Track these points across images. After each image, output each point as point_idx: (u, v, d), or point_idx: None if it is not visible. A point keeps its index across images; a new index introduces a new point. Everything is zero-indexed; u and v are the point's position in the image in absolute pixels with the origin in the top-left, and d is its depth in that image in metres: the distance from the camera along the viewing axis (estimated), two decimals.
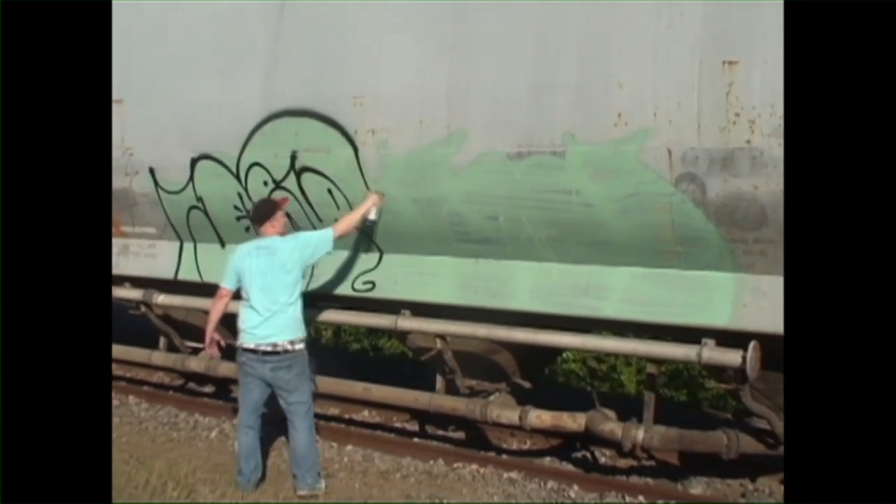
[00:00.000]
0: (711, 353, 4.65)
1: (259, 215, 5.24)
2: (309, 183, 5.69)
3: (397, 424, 6.88)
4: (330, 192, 5.64)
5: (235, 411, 6.68)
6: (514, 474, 5.71)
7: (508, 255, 5.20)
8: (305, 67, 5.65)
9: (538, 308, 5.13)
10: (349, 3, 5.49)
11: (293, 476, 5.16)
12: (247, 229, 6.18)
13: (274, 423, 5.43)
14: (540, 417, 5.38)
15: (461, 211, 5.17)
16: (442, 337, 5.55)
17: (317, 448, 5.32)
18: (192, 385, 8.00)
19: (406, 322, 5.67)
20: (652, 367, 5.20)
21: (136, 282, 7.09)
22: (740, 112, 4.22)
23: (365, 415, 7.09)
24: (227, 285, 5.20)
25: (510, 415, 5.47)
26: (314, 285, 5.90)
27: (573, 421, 5.30)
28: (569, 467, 5.96)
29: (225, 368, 6.67)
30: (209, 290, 6.41)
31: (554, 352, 6.59)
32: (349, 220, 5.35)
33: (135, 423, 6.88)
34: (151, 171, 6.55)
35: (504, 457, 6.12)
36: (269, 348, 5.00)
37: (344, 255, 5.78)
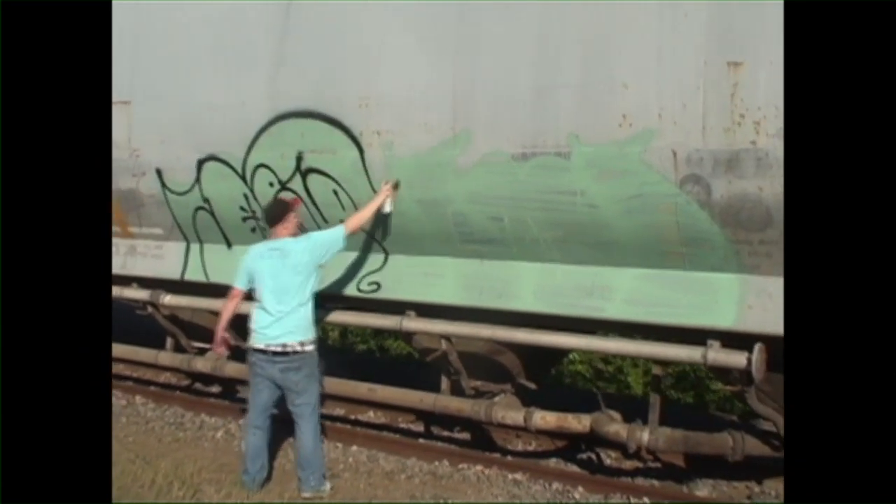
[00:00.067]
0: (717, 354, 4.65)
1: (271, 217, 5.25)
2: (314, 184, 5.71)
3: (402, 425, 6.89)
4: (335, 193, 5.65)
5: (242, 411, 6.71)
6: (518, 475, 5.71)
7: (513, 255, 5.20)
8: (311, 69, 5.66)
9: (542, 309, 5.13)
10: (354, 5, 5.50)
11: (298, 478, 5.17)
12: (252, 230, 6.21)
13: (280, 424, 5.44)
14: (545, 419, 5.37)
15: (466, 212, 5.18)
16: (447, 338, 5.55)
17: (322, 450, 5.32)
18: (198, 385, 8.03)
19: (411, 323, 5.68)
20: (657, 369, 5.20)
21: (144, 282, 7.11)
22: (745, 113, 4.21)
23: (370, 415, 7.10)
24: (239, 285, 5.22)
25: (515, 416, 5.47)
26: (320, 286, 5.90)
27: (578, 422, 5.30)
28: (574, 469, 5.95)
29: (231, 369, 6.70)
30: (215, 290, 6.48)
31: (559, 353, 6.59)
32: (362, 216, 5.33)
33: (141, 422, 6.90)
34: (158, 172, 6.57)
35: (509, 458, 6.12)
36: (278, 349, 5.01)
37: (349, 256, 5.79)
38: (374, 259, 5.78)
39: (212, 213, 6.42)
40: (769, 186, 4.20)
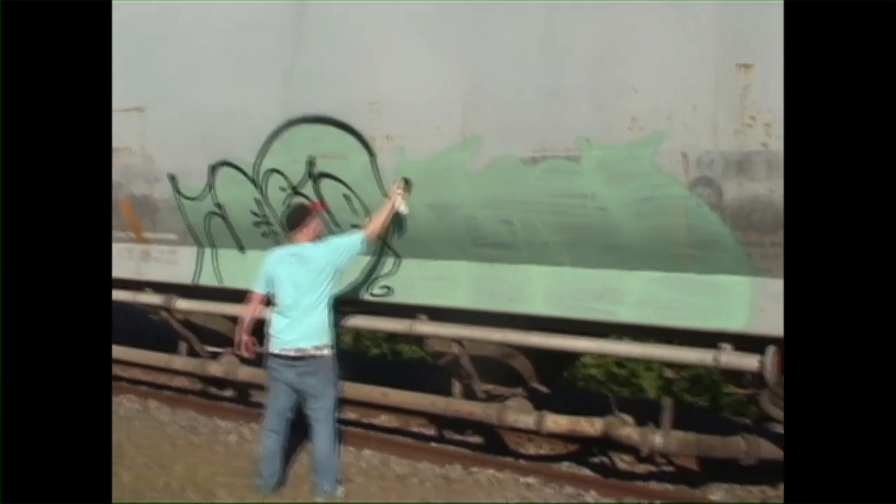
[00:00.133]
0: (728, 357, 4.64)
1: (291, 222, 5.27)
2: (326, 189, 5.73)
3: (414, 429, 6.89)
4: (346, 197, 5.67)
5: (255, 416, 6.74)
6: (531, 479, 5.70)
7: (524, 259, 5.20)
8: (322, 74, 5.68)
9: (553, 312, 5.12)
10: (365, 10, 5.53)
11: (312, 482, 5.19)
12: (264, 235, 6.24)
13: (294, 428, 5.45)
14: (557, 422, 5.37)
15: (476, 215, 5.18)
16: (458, 341, 5.56)
17: (337, 456, 5.33)
18: (212, 389, 8.06)
19: (422, 326, 5.69)
20: (670, 372, 5.19)
21: (158, 287, 7.16)
22: (756, 115, 4.20)
23: (382, 419, 7.11)
24: (259, 289, 5.25)
25: (527, 419, 5.47)
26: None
27: (590, 426, 5.29)
28: (586, 472, 5.94)
29: (244, 373, 6.74)
30: (228, 295, 6.51)
31: (570, 356, 6.57)
32: (378, 220, 5.31)
33: (155, 426, 6.94)
34: (172, 177, 6.62)
35: (521, 461, 6.12)
36: (295, 353, 5.03)
37: (361, 260, 5.79)
38: (386, 263, 5.79)
39: (224, 219, 6.46)
40: (780, 188, 4.18)
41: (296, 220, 5.25)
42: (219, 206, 6.41)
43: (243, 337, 5.27)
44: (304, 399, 5.13)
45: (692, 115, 4.36)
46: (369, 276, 5.85)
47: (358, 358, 9.61)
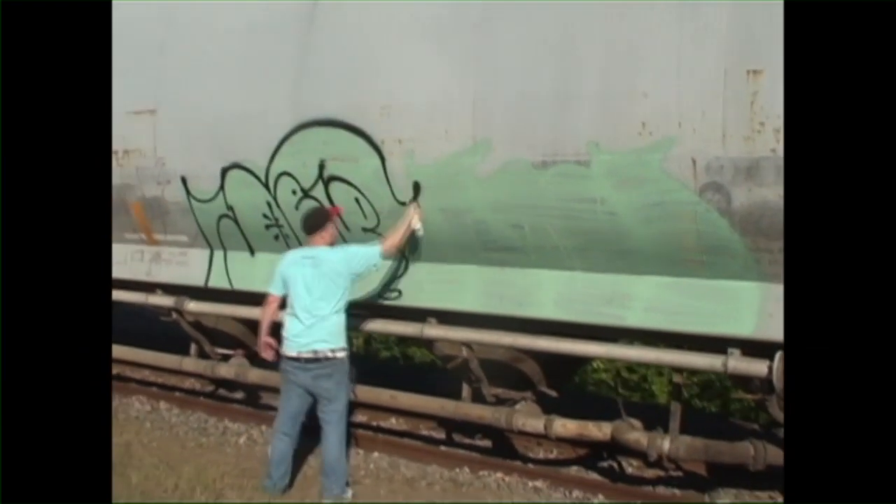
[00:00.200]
0: (737, 362, 4.63)
1: (309, 225, 5.29)
2: (337, 192, 5.75)
3: (424, 432, 6.91)
4: (357, 201, 5.70)
5: (265, 418, 6.77)
6: (539, 483, 5.71)
7: (533, 263, 5.21)
8: (334, 78, 5.71)
9: (563, 317, 5.13)
10: (376, 14, 5.55)
11: (321, 483, 5.20)
12: (276, 238, 6.27)
13: (304, 431, 5.47)
14: (565, 426, 5.37)
15: (486, 219, 5.20)
16: (467, 345, 5.57)
17: (347, 459, 5.34)
18: (222, 391, 8.09)
19: (432, 330, 5.70)
20: (678, 377, 5.18)
21: (169, 289, 7.20)
22: (765, 121, 4.20)
23: (392, 422, 7.12)
24: (275, 291, 5.27)
25: (535, 423, 5.47)
26: None
27: (599, 430, 5.29)
28: (595, 476, 5.94)
29: (254, 375, 6.76)
30: (238, 297, 6.55)
31: (580, 360, 6.58)
32: (395, 238, 5.33)
33: (165, 427, 6.98)
34: (183, 180, 6.65)
35: (530, 465, 6.12)
36: (310, 356, 5.05)
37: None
38: (396, 266, 5.81)
39: (235, 221, 6.49)
40: None
41: (314, 224, 5.27)
42: (230, 208, 6.44)
43: (264, 339, 5.28)
44: (318, 402, 5.15)
45: (701, 121, 4.36)
46: (379, 280, 5.87)
47: (368, 361, 9.64)
